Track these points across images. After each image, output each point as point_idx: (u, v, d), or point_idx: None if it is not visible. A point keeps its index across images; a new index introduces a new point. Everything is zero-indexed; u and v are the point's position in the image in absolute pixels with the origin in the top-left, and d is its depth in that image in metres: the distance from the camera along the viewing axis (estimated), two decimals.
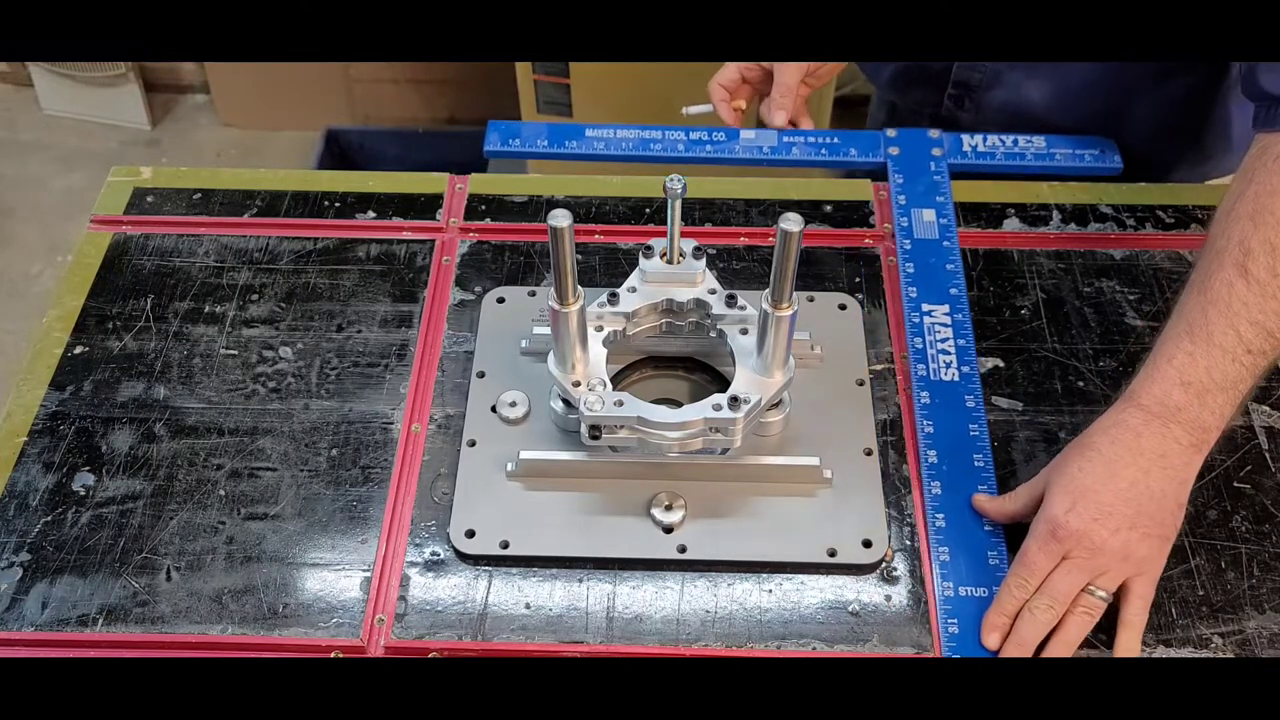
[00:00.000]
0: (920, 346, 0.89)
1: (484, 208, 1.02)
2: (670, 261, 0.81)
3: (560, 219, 0.69)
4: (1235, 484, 0.83)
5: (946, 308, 0.92)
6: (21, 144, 2.47)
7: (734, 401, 0.76)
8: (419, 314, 0.94)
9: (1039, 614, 0.71)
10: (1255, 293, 0.72)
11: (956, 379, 0.87)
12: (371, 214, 1.02)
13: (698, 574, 0.79)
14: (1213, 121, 1.05)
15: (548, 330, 0.81)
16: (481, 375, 0.89)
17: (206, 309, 0.94)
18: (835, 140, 1.08)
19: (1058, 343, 0.91)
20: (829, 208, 1.02)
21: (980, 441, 0.83)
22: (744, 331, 0.80)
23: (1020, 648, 0.71)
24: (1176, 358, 0.72)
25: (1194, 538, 0.80)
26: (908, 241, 0.97)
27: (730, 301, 0.81)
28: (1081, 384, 0.89)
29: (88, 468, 0.84)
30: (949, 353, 0.89)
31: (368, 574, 0.78)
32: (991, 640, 0.73)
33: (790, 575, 0.79)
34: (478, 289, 0.95)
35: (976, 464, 0.82)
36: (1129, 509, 0.71)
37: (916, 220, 0.99)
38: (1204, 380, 0.71)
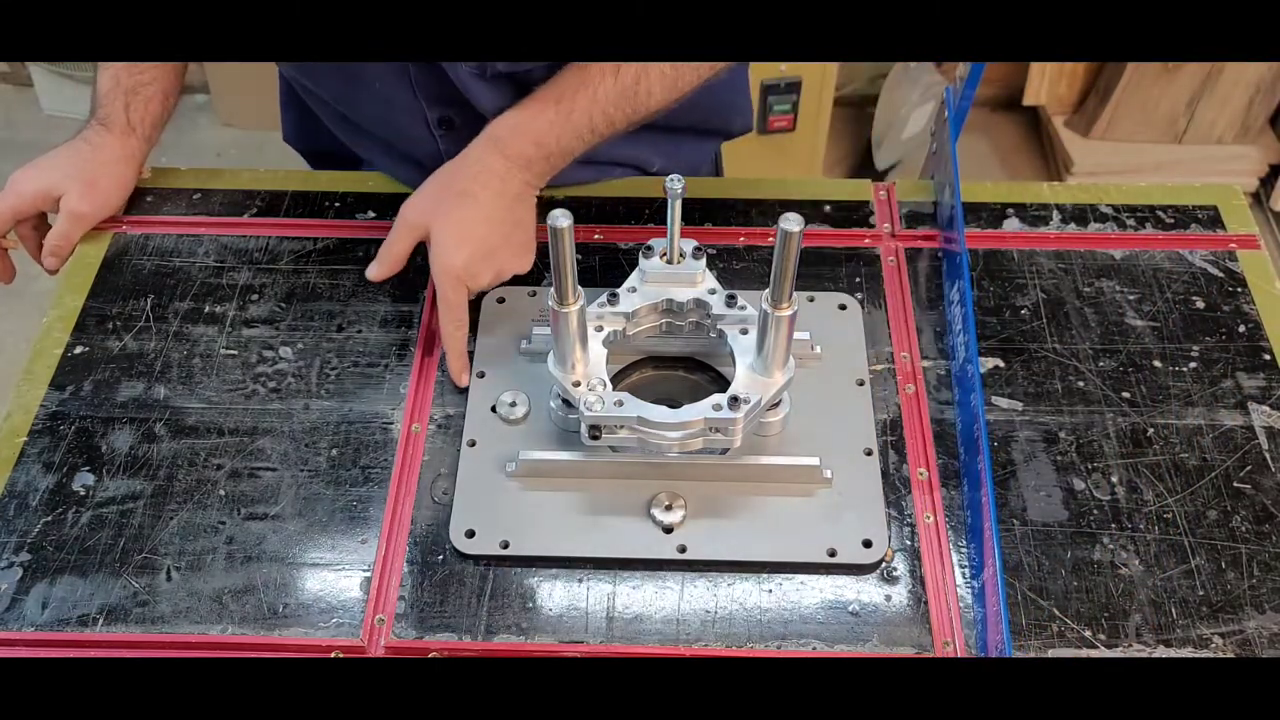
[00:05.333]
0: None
1: None
2: (670, 261, 0.81)
3: (560, 219, 0.69)
4: (1235, 484, 0.83)
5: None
6: (21, 144, 2.47)
7: (734, 401, 0.76)
8: (419, 314, 0.94)
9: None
10: (617, 91, 0.87)
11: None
12: (371, 214, 1.02)
13: (698, 574, 0.79)
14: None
15: (548, 330, 0.81)
16: (481, 375, 0.89)
17: (206, 309, 0.94)
18: None
19: (1058, 343, 0.91)
20: (829, 208, 1.02)
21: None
22: (744, 331, 0.80)
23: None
24: (539, 121, 0.87)
25: (1194, 538, 0.80)
26: None
27: (730, 301, 0.81)
28: (1081, 384, 0.89)
29: (88, 468, 0.84)
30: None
31: (368, 574, 0.78)
32: (466, 378, 0.88)
33: (790, 575, 0.79)
34: None
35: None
36: (502, 238, 0.87)
37: None
38: (552, 147, 0.88)
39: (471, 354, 0.90)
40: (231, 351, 0.92)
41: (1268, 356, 0.90)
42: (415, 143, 1.00)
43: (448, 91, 0.94)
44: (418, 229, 0.88)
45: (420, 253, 0.99)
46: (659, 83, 0.88)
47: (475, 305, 0.94)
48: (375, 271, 0.88)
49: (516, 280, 0.96)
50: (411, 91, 0.95)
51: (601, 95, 0.87)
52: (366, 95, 0.96)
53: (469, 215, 0.86)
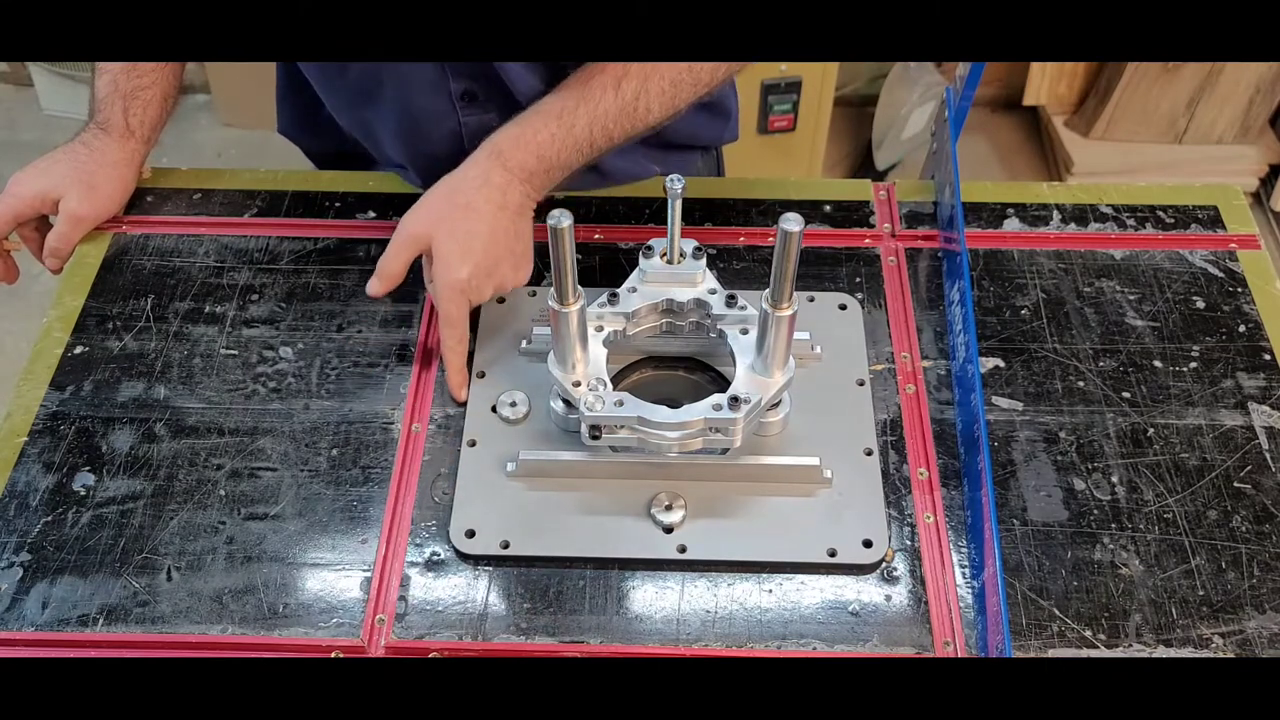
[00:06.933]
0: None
1: None
2: (670, 261, 0.81)
3: (560, 219, 0.69)
4: (1235, 484, 0.83)
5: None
6: (21, 144, 2.47)
7: (734, 401, 0.76)
8: (419, 314, 0.94)
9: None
10: (618, 107, 0.88)
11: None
12: (371, 214, 1.02)
13: (698, 574, 0.79)
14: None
15: (548, 330, 0.81)
16: (481, 375, 0.89)
17: (206, 309, 0.94)
18: None
19: (1058, 343, 0.91)
20: (829, 208, 1.02)
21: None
22: (744, 331, 0.80)
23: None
24: (542, 134, 0.88)
25: (1194, 538, 0.80)
26: None
27: (730, 301, 0.81)
28: (1081, 384, 0.89)
29: (88, 468, 0.84)
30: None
31: (368, 574, 0.78)
32: (464, 393, 0.88)
33: (790, 575, 0.79)
34: None
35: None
36: (505, 251, 0.87)
37: None
38: (553, 160, 0.88)
39: (472, 354, 0.90)
40: (231, 351, 0.92)
41: (1268, 356, 0.90)
42: (433, 116, 1.00)
43: (475, 65, 0.94)
44: (419, 241, 0.86)
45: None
46: (658, 99, 0.88)
47: (474, 313, 0.94)
48: (375, 287, 0.87)
49: None
50: (440, 65, 0.95)
51: (602, 111, 0.87)
52: (389, 66, 0.96)
53: (472, 228, 0.85)
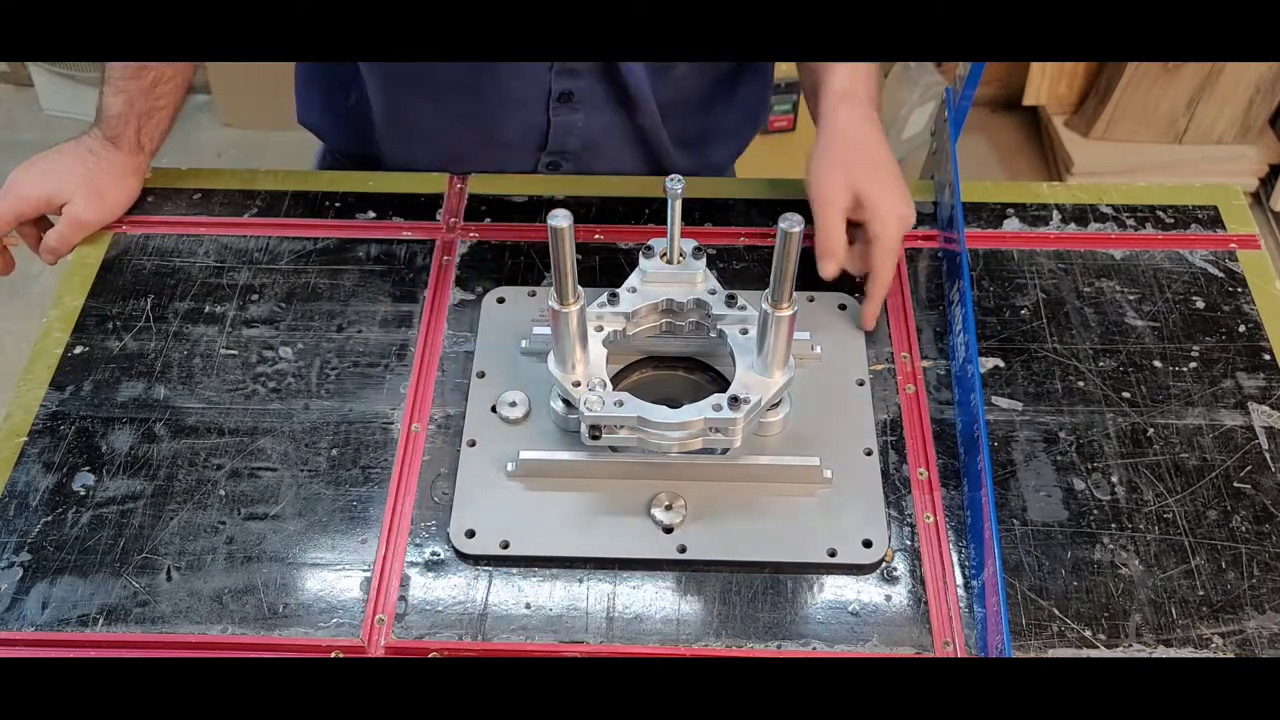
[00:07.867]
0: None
1: (484, 208, 1.02)
2: (670, 261, 0.81)
3: (560, 219, 0.69)
4: (1235, 484, 0.83)
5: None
6: (22, 144, 2.47)
7: (734, 401, 0.76)
8: (419, 314, 0.94)
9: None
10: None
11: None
12: (371, 214, 1.02)
13: (698, 574, 0.79)
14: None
15: (548, 330, 0.81)
16: (481, 375, 0.89)
17: (206, 309, 0.94)
18: None
19: (1058, 343, 0.91)
20: None
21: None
22: (744, 331, 0.80)
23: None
24: (871, 85, 0.96)
25: (1194, 538, 0.80)
26: None
27: (730, 301, 0.81)
28: (1081, 384, 0.89)
29: (88, 468, 0.84)
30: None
31: (368, 574, 0.79)
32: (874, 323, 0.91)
33: (790, 575, 0.79)
34: (478, 289, 0.95)
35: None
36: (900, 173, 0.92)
37: None
38: (876, 71, 0.97)
39: (471, 354, 0.90)
40: (231, 351, 0.92)
41: (1268, 356, 0.90)
42: (516, 107, 1.01)
43: (584, 64, 0.97)
44: (845, 199, 0.89)
45: (419, 252, 0.99)
46: None
47: (476, 306, 0.94)
48: (831, 269, 0.90)
49: (516, 280, 0.96)
50: (546, 64, 0.98)
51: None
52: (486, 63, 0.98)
53: (884, 162, 0.90)
